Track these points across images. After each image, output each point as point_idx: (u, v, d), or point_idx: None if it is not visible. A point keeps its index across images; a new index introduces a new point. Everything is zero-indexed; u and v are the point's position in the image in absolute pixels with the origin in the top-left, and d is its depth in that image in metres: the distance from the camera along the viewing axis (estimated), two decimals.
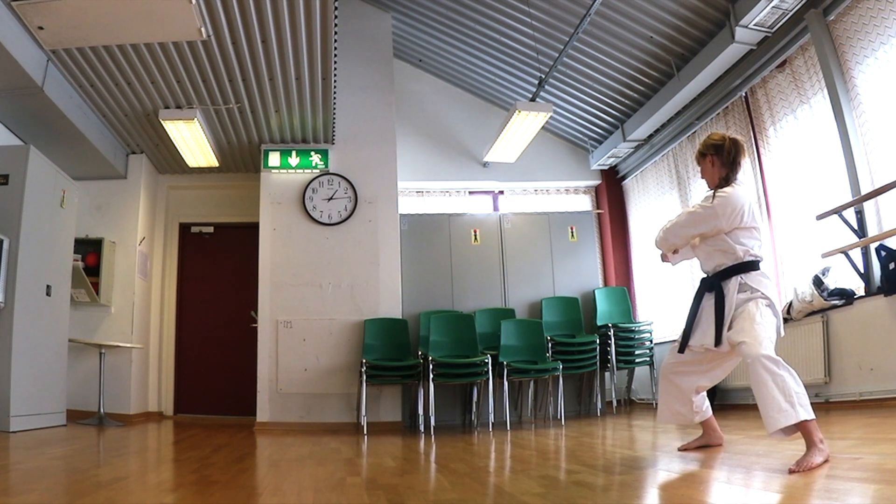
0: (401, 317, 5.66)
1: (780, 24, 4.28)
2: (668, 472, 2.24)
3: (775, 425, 2.10)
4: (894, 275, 3.51)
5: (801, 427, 2.08)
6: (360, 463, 3.00)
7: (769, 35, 4.44)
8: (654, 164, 6.40)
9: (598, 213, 7.10)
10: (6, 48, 3.67)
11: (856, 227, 3.82)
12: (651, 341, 5.94)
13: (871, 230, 3.80)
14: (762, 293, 2.37)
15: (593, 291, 6.26)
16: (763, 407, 2.14)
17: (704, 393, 2.72)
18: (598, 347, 5.57)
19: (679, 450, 2.73)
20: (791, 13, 4.15)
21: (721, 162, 2.53)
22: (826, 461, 2.00)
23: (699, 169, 2.65)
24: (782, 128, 4.67)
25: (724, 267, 2.46)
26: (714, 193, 2.47)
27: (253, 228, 5.84)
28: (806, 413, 2.07)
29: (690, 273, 5.76)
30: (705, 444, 2.72)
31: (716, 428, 2.74)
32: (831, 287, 4.00)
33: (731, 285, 2.42)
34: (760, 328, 2.28)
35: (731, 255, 2.44)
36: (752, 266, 2.43)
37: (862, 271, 3.83)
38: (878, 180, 3.76)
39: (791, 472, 1.93)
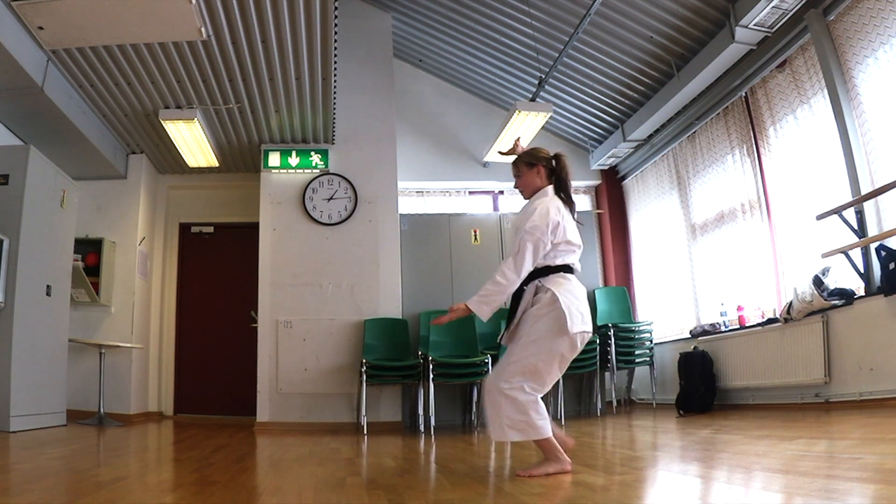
0: (401, 317, 5.65)
1: (780, 24, 4.29)
2: (668, 472, 2.24)
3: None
4: (894, 275, 3.51)
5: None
6: (360, 463, 3.00)
7: (769, 35, 4.44)
8: (654, 164, 6.40)
9: (598, 213, 7.10)
10: (6, 48, 3.67)
11: (856, 227, 3.82)
12: (651, 341, 5.94)
13: (871, 230, 3.80)
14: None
15: (593, 291, 6.26)
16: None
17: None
18: (598, 347, 5.56)
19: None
20: (791, 13, 4.15)
21: (547, 175, 2.58)
22: None
23: (520, 177, 2.64)
24: (782, 128, 4.67)
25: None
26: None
27: (253, 228, 5.84)
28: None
29: (690, 272, 5.76)
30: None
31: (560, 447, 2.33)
32: (831, 287, 4.00)
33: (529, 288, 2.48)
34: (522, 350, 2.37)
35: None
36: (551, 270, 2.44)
37: (862, 271, 3.83)
38: (878, 180, 3.76)
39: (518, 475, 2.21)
